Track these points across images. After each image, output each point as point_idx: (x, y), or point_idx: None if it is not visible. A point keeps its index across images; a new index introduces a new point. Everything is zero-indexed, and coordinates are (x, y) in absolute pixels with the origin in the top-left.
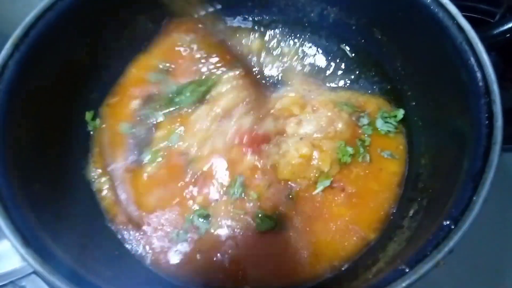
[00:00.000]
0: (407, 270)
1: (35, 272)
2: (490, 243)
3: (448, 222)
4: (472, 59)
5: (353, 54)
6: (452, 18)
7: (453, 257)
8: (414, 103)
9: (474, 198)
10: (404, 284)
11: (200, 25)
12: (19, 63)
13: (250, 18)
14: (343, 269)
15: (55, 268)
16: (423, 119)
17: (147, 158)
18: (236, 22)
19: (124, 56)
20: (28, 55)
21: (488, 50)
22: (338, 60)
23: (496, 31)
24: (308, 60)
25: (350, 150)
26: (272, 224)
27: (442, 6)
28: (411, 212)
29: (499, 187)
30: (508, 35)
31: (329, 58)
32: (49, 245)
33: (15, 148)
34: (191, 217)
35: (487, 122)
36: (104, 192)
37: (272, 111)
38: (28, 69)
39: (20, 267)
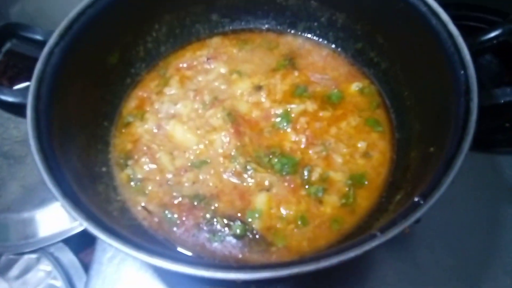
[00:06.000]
0: (378, 234)
1: (63, 241)
2: (483, 241)
3: (418, 199)
4: (458, 61)
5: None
6: (444, 25)
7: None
8: (408, 103)
9: (443, 179)
10: (373, 245)
11: None
12: (63, 51)
13: (265, 21)
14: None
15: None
16: (415, 118)
17: None
18: (252, 25)
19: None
20: (71, 45)
21: (480, 54)
22: None
23: (483, 38)
24: None
25: None
26: None
27: (435, 15)
28: (397, 198)
29: (493, 188)
30: (495, 41)
31: None
32: (83, 201)
33: (58, 122)
34: None
35: (463, 116)
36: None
37: None
38: (70, 56)
39: (49, 236)
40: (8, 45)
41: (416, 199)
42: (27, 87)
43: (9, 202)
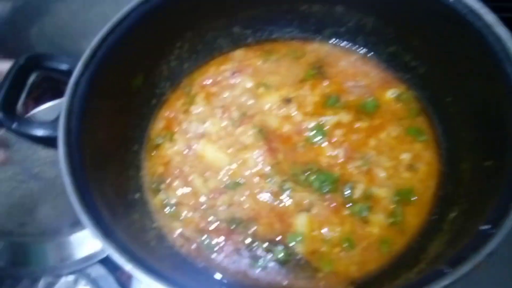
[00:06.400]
0: (447, 271)
1: (100, 261)
2: None
3: (487, 226)
4: (509, 68)
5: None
6: (490, 27)
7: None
8: (452, 109)
9: None
10: (443, 284)
11: None
12: (89, 80)
13: (289, 30)
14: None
15: (132, 258)
16: (462, 126)
17: None
18: (276, 34)
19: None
20: (96, 73)
21: None
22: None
23: None
24: None
25: None
26: None
27: (479, 16)
28: (451, 216)
29: None
30: None
31: None
32: (122, 239)
33: (89, 153)
34: None
35: None
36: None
37: None
38: (96, 85)
39: (85, 257)
40: (33, 77)
41: (485, 227)
42: (53, 108)
43: (43, 226)
